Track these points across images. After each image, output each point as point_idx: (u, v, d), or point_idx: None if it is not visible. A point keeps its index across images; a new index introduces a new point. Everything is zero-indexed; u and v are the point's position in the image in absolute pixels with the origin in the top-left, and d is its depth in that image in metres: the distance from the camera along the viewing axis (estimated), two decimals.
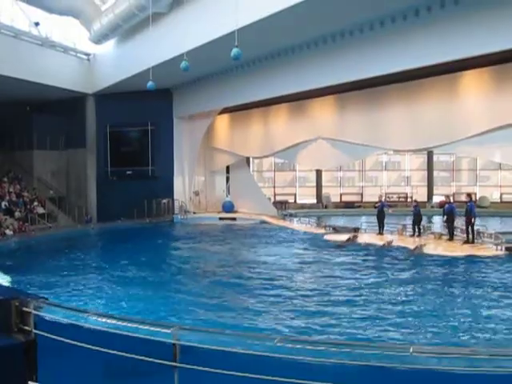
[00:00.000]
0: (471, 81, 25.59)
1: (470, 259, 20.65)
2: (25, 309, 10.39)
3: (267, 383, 7.31)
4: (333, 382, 6.97)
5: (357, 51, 24.69)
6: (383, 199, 29.51)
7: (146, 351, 7.99)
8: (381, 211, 27.30)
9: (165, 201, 37.82)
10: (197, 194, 40.79)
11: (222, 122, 40.69)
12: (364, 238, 26.25)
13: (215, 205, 40.64)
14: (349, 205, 43.90)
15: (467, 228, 23.54)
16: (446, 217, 24.87)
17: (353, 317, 13.10)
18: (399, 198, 43.38)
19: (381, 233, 26.99)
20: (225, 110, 37.95)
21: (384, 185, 46.42)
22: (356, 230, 28.62)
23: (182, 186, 39.70)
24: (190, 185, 40.31)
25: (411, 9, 21.89)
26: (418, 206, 26.69)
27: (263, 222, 35.34)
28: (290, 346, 7.68)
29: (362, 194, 45.88)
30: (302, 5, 20.46)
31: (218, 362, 7.59)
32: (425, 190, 44.77)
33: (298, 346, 7.71)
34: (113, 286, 17.27)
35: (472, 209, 23.21)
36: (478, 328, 12.09)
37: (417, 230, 26.22)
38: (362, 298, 15.07)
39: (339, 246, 25.14)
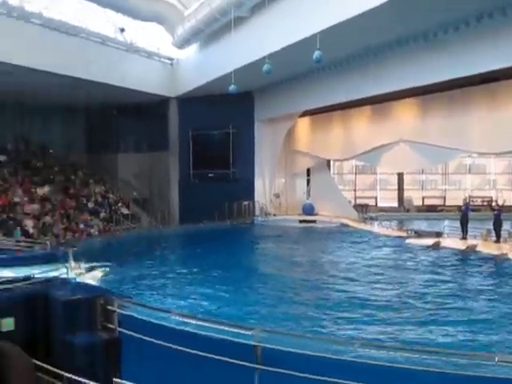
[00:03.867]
0: None
1: None
2: (109, 307, 10.67)
3: None
4: None
5: (440, 52, 24.22)
6: (468, 202, 28.52)
7: (227, 352, 8.08)
8: (465, 215, 26.65)
9: (246, 203, 38.00)
10: (277, 196, 40.82)
11: (303, 125, 40.60)
12: (447, 243, 25.73)
13: (295, 207, 40.54)
14: (431, 208, 43.11)
15: None
16: None
17: (438, 323, 12.88)
18: (483, 201, 42.28)
19: (464, 237, 26.33)
20: (306, 113, 37.86)
21: (468, 188, 45.38)
22: (439, 234, 28.04)
23: (263, 189, 39.83)
24: (271, 187, 40.39)
25: (497, 8, 21.35)
26: (500, 210, 25.80)
27: (343, 224, 35.09)
28: (370, 350, 7.64)
29: (444, 198, 44.98)
30: (384, 6, 20.20)
31: (299, 364, 7.61)
32: (510, 194, 43.51)
33: (380, 352, 7.65)
34: (195, 286, 17.48)
35: None
36: None
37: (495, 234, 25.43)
38: (447, 304, 14.80)
39: (426, 249, 24.78)
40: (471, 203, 37.05)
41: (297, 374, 7.52)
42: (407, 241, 27.47)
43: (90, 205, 34.70)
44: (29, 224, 28.21)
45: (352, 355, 7.63)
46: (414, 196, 45.02)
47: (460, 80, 24.91)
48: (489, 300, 15.22)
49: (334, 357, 7.63)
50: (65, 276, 13.93)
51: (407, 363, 7.26)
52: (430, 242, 25.99)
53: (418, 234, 28.74)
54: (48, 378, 8.29)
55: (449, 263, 21.58)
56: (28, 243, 24.78)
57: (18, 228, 27.26)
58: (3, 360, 1.81)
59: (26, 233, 27.27)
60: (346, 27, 22.62)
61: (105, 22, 33.86)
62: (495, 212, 25.59)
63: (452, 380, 6.92)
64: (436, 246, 25.22)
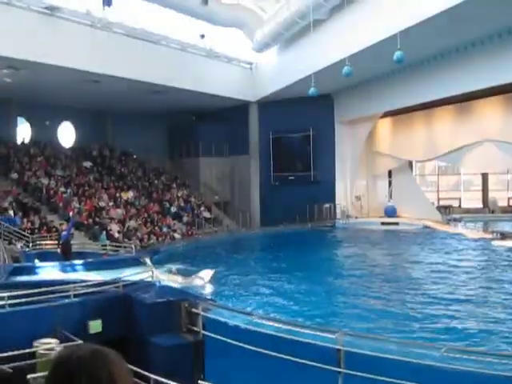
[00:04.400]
0: None
1: None
2: (194, 310, 10.82)
3: None
4: None
5: None
6: None
7: (310, 355, 8.08)
8: None
9: (327, 205, 37.89)
10: (358, 198, 40.53)
11: (384, 126, 40.22)
12: None
13: (377, 209, 40.16)
14: None
15: None
16: None
17: None
18: None
19: None
20: (387, 114, 37.51)
21: None
22: None
23: (344, 191, 39.65)
24: (352, 189, 40.17)
25: None
26: None
27: (426, 226, 34.54)
28: (457, 356, 7.50)
29: None
30: (465, 5, 19.84)
31: (383, 369, 7.54)
32: None
33: (467, 357, 7.50)
34: (276, 290, 17.53)
35: None
36: None
37: None
38: None
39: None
40: None
41: (380, 378, 7.45)
42: (492, 243, 26.81)
43: (173, 209, 35.24)
44: (114, 228, 28.86)
45: (438, 360, 7.51)
46: (499, 197, 43.83)
47: None
48: None
49: (418, 361, 7.52)
50: (150, 279, 14.17)
51: (495, 369, 7.10)
52: None
53: (504, 236, 27.98)
54: (136, 380, 8.46)
55: None
56: (113, 247, 25.37)
57: (104, 232, 27.91)
58: (104, 363, 1.85)
59: (111, 237, 27.90)
60: (427, 26, 22.32)
61: (185, 29, 34.34)
62: None
63: None
64: None
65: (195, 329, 10.67)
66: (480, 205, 43.56)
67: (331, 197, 38.70)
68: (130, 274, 14.40)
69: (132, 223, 30.51)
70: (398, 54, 17.82)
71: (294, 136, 39.82)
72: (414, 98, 31.76)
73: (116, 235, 28.34)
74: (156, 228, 31.35)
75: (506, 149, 30.75)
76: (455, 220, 36.51)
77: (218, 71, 36.49)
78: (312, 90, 23.24)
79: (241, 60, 38.62)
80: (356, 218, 38.69)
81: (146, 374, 8.28)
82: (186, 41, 34.31)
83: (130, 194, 34.26)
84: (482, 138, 32.25)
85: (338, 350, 7.91)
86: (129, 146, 40.69)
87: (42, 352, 8.98)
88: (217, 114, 41.31)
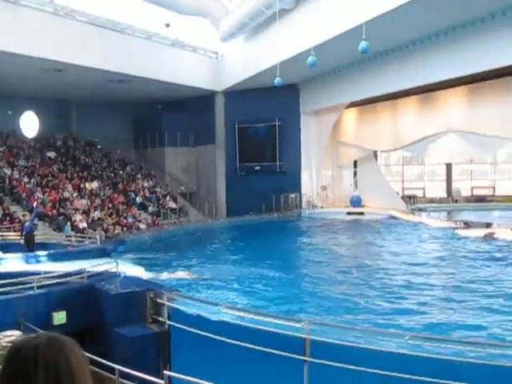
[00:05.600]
0: None
1: None
2: (159, 300, 10.79)
3: (397, 380, 7.23)
4: (466, 382, 6.81)
5: (489, 40, 23.78)
6: None
7: (276, 344, 8.10)
8: None
9: (292, 195, 38.00)
10: (324, 188, 40.73)
11: (349, 116, 40.41)
12: (499, 234, 25.27)
13: (342, 199, 40.41)
14: (480, 199, 42.42)
15: None
16: None
17: (487, 316, 12.67)
18: None
19: None
20: (352, 104, 37.67)
21: None
22: (489, 225, 27.61)
23: (310, 181, 39.79)
24: (318, 179, 40.31)
25: None
26: None
27: (391, 216, 34.82)
28: (420, 343, 7.57)
29: (494, 188, 44.17)
30: None
31: (348, 356, 7.58)
32: None
33: (430, 344, 7.58)
34: (242, 279, 17.53)
35: None
36: None
37: None
38: (499, 295, 14.55)
39: (482, 239, 24.47)
40: None
41: (346, 366, 7.49)
42: (456, 231, 27.12)
43: (138, 199, 35.04)
44: (78, 219, 28.61)
45: (401, 347, 7.57)
46: (463, 186, 44.35)
47: (510, 67, 24.46)
48: None
49: (382, 349, 7.58)
50: (115, 270, 14.08)
51: (456, 355, 7.18)
52: (479, 232, 25.58)
53: (468, 225, 28.31)
54: (99, 371, 8.39)
55: (499, 254, 21.25)
56: (78, 238, 25.17)
57: (68, 223, 27.67)
58: (61, 350, 1.81)
59: (75, 228, 27.67)
60: (393, 17, 22.41)
61: (150, 17, 34.04)
62: None
63: (504, 373, 6.82)
64: (489, 237, 24.77)
65: (161, 319, 10.64)
66: (444, 194, 44.06)
67: (297, 187, 38.83)
68: (95, 265, 14.29)
69: (97, 214, 30.26)
70: (363, 45, 17.80)
71: (259, 126, 39.80)
72: (378, 89, 31.91)
73: (81, 226, 28.10)
74: (121, 218, 31.15)
75: (470, 139, 31.14)
76: (419, 210, 36.90)
77: (184, 61, 36.26)
78: (277, 80, 23.19)
79: (206, 49, 38.38)
80: (322, 207, 38.87)
81: (111, 364, 8.22)
82: (150, 30, 34.00)
83: (95, 185, 33.94)
84: (446, 128, 32.61)
85: (304, 338, 7.94)
86: (93, 135, 40.31)
87: (5, 344, 8.88)
88: (182, 104, 41.10)
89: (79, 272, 13.10)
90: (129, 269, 17.22)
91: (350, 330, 8.66)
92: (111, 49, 30.59)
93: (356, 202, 38.91)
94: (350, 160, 41.76)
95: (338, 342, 7.86)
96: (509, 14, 22.65)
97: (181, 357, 10.13)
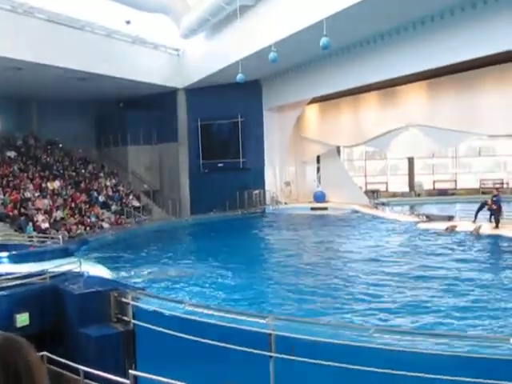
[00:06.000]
0: None
1: None
2: (123, 299, 10.72)
3: (362, 374, 7.28)
4: (429, 373, 6.89)
5: (447, 35, 24.02)
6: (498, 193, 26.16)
7: (241, 341, 8.10)
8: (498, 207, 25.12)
9: (256, 192, 38.03)
10: (288, 184, 40.82)
11: (312, 112, 40.54)
12: (461, 226, 25.57)
13: (306, 195, 40.54)
14: (442, 192, 42.92)
15: None
16: None
17: (450, 308, 12.83)
18: (494, 184, 42.00)
19: (475, 221, 26.11)
20: (314, 100, 37.78)
21: (479, 171, 45.12)
22: (450, 218, 27.93)
23: (273, 177, 39.85)
24: (281, 175, 40.39)
25: None
26: (498, 195, 25.46)
27: (355, 211, 35.00)
28: (385, 336, 7.63)
29: (455, 181, 44.73)
30: None
31: (313, 351, 7.61)
32: None
33: (395, 337, 7.64)
34: (207, 277, 17.51)
35: None
36: None
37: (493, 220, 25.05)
38: (458, 287, 14.75)
39: (443, 232, 24.75)
40: (482, 186, 36.89)
41: (311, 360, 7.52)
42: (419, 225, 27.39)
43: (101, 198, 34.74)
44: (40, 219, 28.27)
45: (367, 341, 7.62)
46: (425, 180, 44.84)
47: (469, 62, 24.77)
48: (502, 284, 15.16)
49: (348, 343, 7.62)
50: (78, 270, 13.95)
51: (421, 348, 7.25)
52: (441, 226, 25.87)
53: (430, 219, 28.60)
54: (63, 372, 8.32)
55: (460, 246, 21.54)
56: (40, 238, 24.87)
57: (30, 223, 27.34)
58: (19, 351, 1.78)
59: (38, 228, 27.35)
60: (353, 12, 22.51)
61: (110, 15, 33.74)
62: (495, 197, 25.16)
63: (464, 363, 6.91)
64: (451, 230, 25.07)
65: (125, 318, 10.57)
66: (406, 188, 44.45)
67: (261, 183, 38.87)
68: (58, 265, 14.14)
69: (59, 214, 29.94)
70: (324, 41, 17.87)
71: (222, 123, 39.75)
72: (340, 84, 32.05)
73: (43, 226, 27.78)
74: (84, 218, 30.87)
75: (431, 133, 31.44)
76: (383, 204, 37.17)
77: (145, 58, 36.05)
78: (240, 77, 23.17)
79: (168, 46, 38.20)
80: (285, 203, 38.95)
81: (76, 365, 8.15)
82: (111, 27, 33.71)
83: (57, 184, 33.54)
84: (407, 123, 32.89)
85: (269, 334, 7.95)
86: (55, 134, 39.77)
87: None
88: (145, 102, 40.85)
89: (42, 273, 12.96)
90: (92, 268, 17.07)
91: (315, 325, 8.68)
92: (71, 46, 30.19)
93: (319, 197, 39.07)
94: (313, 156, 41.90)
95: (303, 336, 7.88)
96: (467, 10, 22.92)
97: (146, 356, 10.08)
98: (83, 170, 38.26)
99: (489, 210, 25.19)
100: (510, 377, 6.61)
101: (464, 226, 25.48)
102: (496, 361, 6.84)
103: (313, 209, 37.36)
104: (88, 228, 29.73)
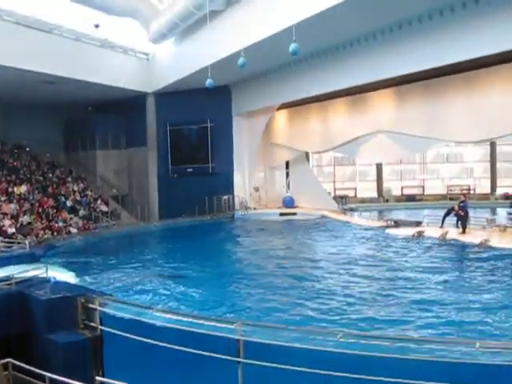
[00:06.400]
0: None
1: None
2: (90, 305, 10.62)
3: (331, 378, 7.30)
4: (398, 378, 6.93)
5: (416, 42, 24.28)
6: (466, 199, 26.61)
7: (210, 346, 8.08)
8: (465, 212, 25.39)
9: (225, 197, 38.04)
10: (257, 189, 40.88)
11: (281, 118, 40.66)
12: (428, 232, 25.80)
13: (275, 200, 40.63)
14: (410, 198, 43.35)
15: None
16: None
17: (416, 312, 12.92)
18: (462, 190, 42.49)
19: (442, 227, 26.39)
20: (283, 106, 37.91)
21: (446, 177, 45.64)
22: (418, 223, 28.18)
23: (242, 182, 39.88)
24: (250, 181, 40.43)
25: None
26: (465, 201, 25.81)
27: (324, 216, 35.15)
28: (353, 341, 7.66)
29: (423, 187, 45.21)
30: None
31: (282, 357, 7.62)
32: (488, 182, 43.82)
33: (362, 342, 7.68)
34: (175, 282, 17.43)
35: None
36: None
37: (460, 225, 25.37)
38: (426, 292, 14.88)
39: (411, 238, 24.93)
40: (449, 192, 37.28)
41: (280, 366, 7.53)
42: (387, 231, 27.57)
43: (69, 203, 34.45)
44: (7, 224, 27.95)
45: (334, 346, 7.64)
46: (393, 186, 45.25)
47: (436, 70, 25.07)
48: (470, 289, 15.31)
49: (316, 348, 7.64)
50: (44, 275, 13.81)
51: (389, 352, 7.29)
52: (409, 231, 26.08)
53: (398, 224, 28.82)
54: (29, 379, 8.22)
55: (427, 252, 21.73)
56: (6, 243, 24.57)
57: None
58: None
59: (4, 233, 27.03)
60: (322, 19, 22.64)
61: (79, 18, 33.50)
62: (462, 203, 25.47)
63: (433, 367, 6.96)
64: (418, 236, 25.27)
65: (92, 324, 10.48)
66: (375, 194, 44.83)
67: (230, 188, 38.89)
68: (24, 271, 13.99)
69: (26, 218, 29.62)
70: (293, 47, 17.94)
71: (191, 128, 39.69)
72: (309, 90, 32.19)
73: (9, 231, 27.47)
74: (52, 223, 30.59)
75: (399, 140, 31.69)
76: (351, 209, 37.45)
77: (114, 62, 35.85)
78: (209, 82, 23.13)
79: (137, 51, 38.04)
80: (255, 209, 39.03)
81: (42, 372, 8.06)
82: (80, 30, 33.47)
83: (24, 189, 33.19)
84: (376, 129, 33.12)
85: (237, 340, 7.94)
86: (22, 138, 39.32)
87: None
88: (114, 106, 40.65)
89: (7, 278, 12.81)
90: (59, 274, 16.93)
91: (283, 330, 8.69)
92: (39, 49, 29.89)
93: (288, 202, 39.20)
94: (282, 161, 42.03)
95: (272, 342, 7.89)
96: (435, 18, 23.17)
97: (114, 362, 10.01)
98: (51, 175, 37.92)
99: (456, 215, 25.50)
100: (478, 380, 6.69)
101: (431, 231, 25.73)
102: (463, 365, 6.91)
103: (282, 214, 37.44)
104: (55, 233, 29.47)
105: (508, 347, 7.30)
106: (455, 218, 25.68)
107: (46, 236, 28.29)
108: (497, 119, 25.73)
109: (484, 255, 20.20)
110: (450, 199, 27.24)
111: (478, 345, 6.82)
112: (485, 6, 21.10)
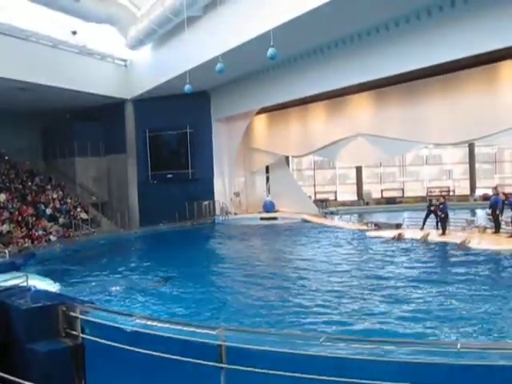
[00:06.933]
0: (511, 70, 25.15)
1: None
2: (72, 314, 10.53)
3: (314, 382, 7.30)
4: (380, 380, 6.94)
5: (393, 46, 24.50)
6: (445, 201, 27.08)
7: (192, 353, 8.05)
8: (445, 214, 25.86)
9: (206, 203, 37.97)
10: (237, 194, 40.87)
11: (260, 122, 40.69)
12: (408, 234, 25.97)
13: (256, 205, 40.64)
14: (390, 201, 43.55)
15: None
16: (490, 209, 24.59)
17: (398, 314, 12.98)
18: (441, 192, 42.73)
19: (423, 228, 26.61)
20: (262, 110, 37.92)
21: (425, 179, 45.90)
22: (398, 226, 28.32)
23: (223, 188, 39.85)
24: (231, 186, 40.41)
25: (446, 0, 21.68)
26: (445, 202, 26.04)
27: (304, 220, 35.22)
28: (335, 344, 7.67)
29: (403, 190, 45.42)
30: (337, 1, 20.37)
31: (264, 362, 7.61)
32: (467, 183, 44.13)
33: (344, 345, 7.69)
34: (156, 289, 17.40)
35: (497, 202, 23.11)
36: None
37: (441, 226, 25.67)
38: (407, 295, 14.95)
39: (390, 241, 25.05)
40: (429, 194, 37.48)
41: (263, 371, 7.52)
42: (367, 233, 27.68)
43: (48, 211, 34.25)
44: None
45: (318, 349, 7.64)
46: (373, 189, 45.43)
47: (415, 72, 25.24)
48: (448, 291, 15.40)
49: (299, 352, 7.64)
50: (25, 284, 13.69)
51: (372, 355, 7.31)
52: (390, 234, 26.19)
53: (378, 227, 28.95)
54: None
55: (408, 254, 21.83)
56: None
57: None
58: None
59: None
60: (300, 23, 22.76)
61: (56, 25, 33.36)
62: (441, 205, 25.69)
63: (415, 369, 6.98)
64: (399, 238, 25.39)
65: (74, 333, 10.40)
66: (355, 197, 44.97)
67: (210, 194, 38.84)
68: (4, 280, 13.88)
69: (5, 227, 29.42)
70: (271, 51, 17.97)
71: (171, 134, 39.60)
72: (288, 94, 32.30)
73: None
74: (32, 231, 30.39)
75: (378, 143, 31.83)
76: (332, 213, 37.56)
77: (92, 68, 35.73)
78: (188, 87, 23.13)
79: (115, 57, 37.94)
80: (235, 214, 39.01)
81: (22, 382, 7.98)
82: (57, 37, 33.34)
83: (3, 197, 32.97)
84: (355, 132, 33.25)
85: (219, 345, 7.92)
86: (0, 146, 39.11)
87: None
88: (92, 113, 40.54)
89: None
90: (40, 282, 16.82)
91: (266, 335, 8.69)
92: (16, 56, 29.77)
93: (269, 207, 39.22)
94: (262, 166, 42.06)
95: (254, 347, 7.88)
96: (413, 21, 23.35)
97: (96, 370, 9.94)
98: (30, 183, 37.67)
99: (435, 215, 25.78)
100: (461, 382, 6.72)
101: (412, 233, 25.89)
102: (446, 366, 6.93)
103: (262, 219, 37.45)
104: (35, 241, 29.28)
105: (489, 347, 7.35)
106: (435, 220, 25.92)
107: (26, 245, 28.10)
108: (474, 121, 25.96)
109: (463, 256, 20.36)
110: (430, 201, 27.41)
111: (459, 345, 6.85)
112: (461, 10, 21.36)
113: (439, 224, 25.71)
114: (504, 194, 24.79)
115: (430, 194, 41.19)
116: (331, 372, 7.22)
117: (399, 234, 25.74)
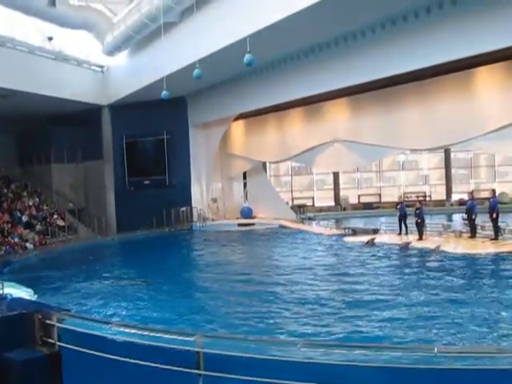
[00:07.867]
0: (486, 77, 25.35)
1: (493, 257, 20.49)
2: (48, 321, 10.43)
3: None
4: None
5: (369, 52, 24.64)
6: (403, 202, 28.69)
7: (169, 360, 8.02)
8: (402, 214, 27.13)
9: (183, 209, 37.86)
10: (215, 200, 40.80)
11: (238, 128, 40.71)
12: (384, 239, 26.15)
13: (233, 211, 40.61)
14: (367, 206, 43.76)
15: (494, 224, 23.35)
16: (466, 214, 24.77)
17: (374, 319, 13.02)
18: (418, 197, 43.01)
19: (401, 234, 26.83)
20: (240, 116, 37.95)
21: (402, 184, 46.17)
22: (375, 231, 28.49)
23: (200, 194, 39.79)
24: (208, 192, 40.36)
25: (422, 7, 21.85)
26: (421, 208, 26.25)
27: (282, 226, 35.28)
28: (313, 350, 7.68)
29: (380, 195, 45.65)
30: (313, 7, 20.44)
31: (242, 368, 7.60)
32: (443, 189, 44.48)
33: (322, 350, 7.70)
34: (134, 296, 17.32)
35: (495, 205, 23.10)
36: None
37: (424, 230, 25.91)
38: (382, 299, 14.99)
39: (362, 246, 25.18)
40: (405, 199, 37.71)
41: (241, 377, 7.51)
42: (344, 239, 27.80)
43: (25, 218, 33.97)
44: None
45: (295, 355, 7.65)
46: (351, 194, 45.62)
47: (390, 79, 25.41)
48: (425, 294, 15.48)
49: (276, 358, 7.64)
50: (0, 292, 13.59)
51: (349, 360, 7.33)
52: (366, 239, 26.33)
53: (355, 232, 29.09)
54: None
55: (381, 259, 21.95)
56: None
57: None
58: None
59: None
60: (276, 30, 22.82)
61: (32, 31, 33.17)
62: (418, 210, 25.88)
63: (393, 374, 7.01)
64: (371, 243, 25.54)
65: (50, 341, 10.31)
66: (332, 203, 45.11)
67: (187, 200, 38.71)
68: None
69: None
70: (247, 57, 18.04)
71: (148, 140, 39.47)
72: (265, 101, 32.35)
73: None
74: (9, 238, 30.12)
75: (355, 148, 32.00)
76: (309, 218, 37.64)
77: (68, 74, 35.49)
78: (164, 93, 23.14)
79: (91, 63, 37.76)
80: (213, 220, 38.92)
81: None
82: (33, 43, 33.13)
83: None
84: (332, 138, 33.39)
85: (197, 352, 7.90)
86: None
87: None
88: (69, 119, 40.20)
89: None
90: (15, 290, 16.67)
91: (244, 341, 8.68)
92: None
93: (247, 213, 39.21)
94: (239, 172, 42.04)
95: (232, 353, 7.87)
96: (388, 27, 23.53)
97: (73, 378, 9.86)
98: (6, 190, 37.34)
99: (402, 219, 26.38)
100: None
101: (389, 238, 26.10)
102: (424, 370, 6.96)
103: (240, 225, 37.43)
104: (11, 249, 29.01)
105: (466, 351, 7.40)
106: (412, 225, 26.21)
107: (1, 252, 27.85)
108: (450, 127, 26.16)
109: (437, 262, 20.52)
110: (407, 206, 27.57)
111: (436, 350, 6.89)
112: (436, 17, 21.53)
113: (403, 228, 26.54)
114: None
115: (406, 199, 41.45)
116: (309, 378, 7.23)
117: (371, 240, 25.91)
